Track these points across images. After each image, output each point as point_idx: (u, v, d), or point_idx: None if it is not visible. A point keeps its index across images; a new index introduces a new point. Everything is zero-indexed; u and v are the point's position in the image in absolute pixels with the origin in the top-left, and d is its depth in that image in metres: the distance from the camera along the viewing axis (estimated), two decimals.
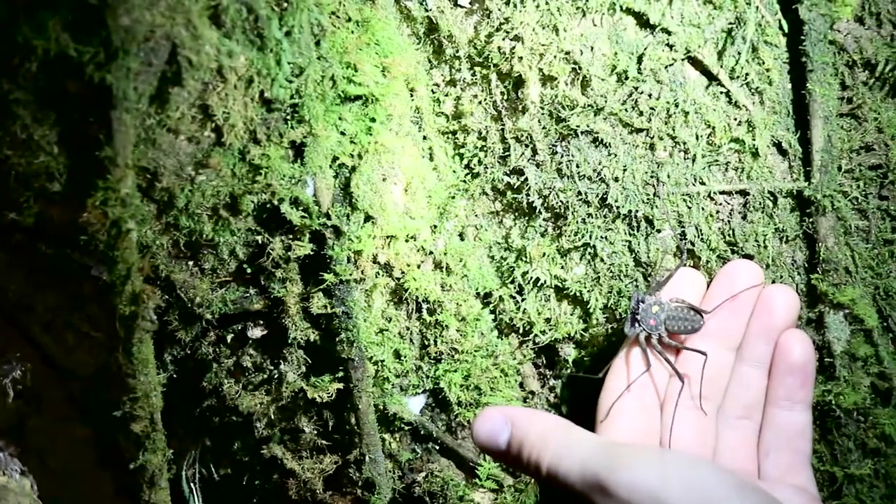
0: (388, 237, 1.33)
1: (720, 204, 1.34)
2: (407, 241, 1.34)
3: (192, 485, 1.59)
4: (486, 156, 1.39)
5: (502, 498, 1.45)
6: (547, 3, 1.30)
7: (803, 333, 1.28)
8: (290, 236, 1.29)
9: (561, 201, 1.36)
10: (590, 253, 1.38)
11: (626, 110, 1.32)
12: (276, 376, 1.40)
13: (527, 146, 1.37)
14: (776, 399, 1.28)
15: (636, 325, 1.31)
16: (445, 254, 1.38)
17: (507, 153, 1.38)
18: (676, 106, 1.31)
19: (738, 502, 1.03)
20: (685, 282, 1.32)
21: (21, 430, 1.61)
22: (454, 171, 1.41)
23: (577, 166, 1.35)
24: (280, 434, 1.46)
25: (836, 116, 1.30)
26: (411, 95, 1.36)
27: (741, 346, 1.29)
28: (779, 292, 1.27)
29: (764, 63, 1.30)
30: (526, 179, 1.37)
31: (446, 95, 1.39)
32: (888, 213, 1.32)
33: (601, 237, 1.37)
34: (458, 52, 1.36)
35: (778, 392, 1.28)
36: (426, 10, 1.35)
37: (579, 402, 1.46)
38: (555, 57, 1.31)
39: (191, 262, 1.32)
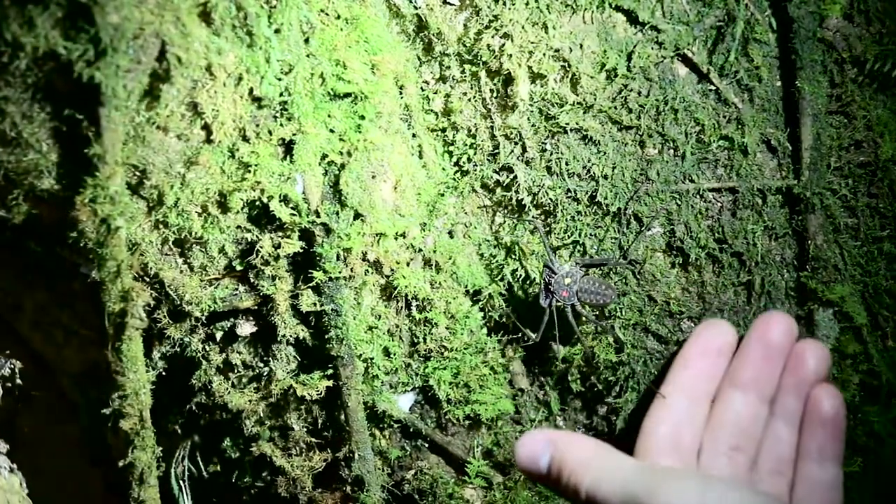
0: (377, 235, 1.32)
1: (709, 201, 1.34)
2: (396, 238, 1.34)
3: (181, 482, 1.59)
4: (475, 153, 1.39)
5: (492, 495, 1.45)
6: (536, 1, 1.30)
7: (834, 388, 1.28)
8: (280, 234, 1.29)
9: (550, 199, 1.36)
10: (579, 250, 1.38)
11: (615, 108, 1.33)
12: (265, 373, 1.40)
13: (516, 144, 1.37)
14: (808, 453, 1.28)
15: (550, 296, 1.32)
16: (435, 251, 1.38)
17: (496, 151, 1.38)
18: (666, 103, 1.31)
19: None
20: (714, 334, 1.31)
21: (10, 428, 1.61)
22: (443, 169, 1.41)
23: (567, 164, 1.35)
24: (269, 431, 1.46)
25: (825, 114, 1.30)
26: (400, 93, 1.35)
27: (774, 399, 1.29)
28: (810, 347, 1.28)
29: (753, 61, 1.30)
30: (515, 177, 1.37)
31: (435, 93, 1.39)
32: (877, 210, 1.32)
33: (590, 234, 1.37)
34: (447, 49, 1.36)
35: (809, 446, 1.28)
36: (415, 8, 1.35)
37: (570, 398, 1.46)
38: (544, 54, 1.31)
39: (180, 260, 1.32)
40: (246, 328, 1.39)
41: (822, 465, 1.27)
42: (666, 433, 1.28)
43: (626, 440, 1.32)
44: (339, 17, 1.27)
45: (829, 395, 1.27)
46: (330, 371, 1.36)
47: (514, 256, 1.42)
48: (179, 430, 1.55)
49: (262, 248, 1.29)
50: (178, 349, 1.41)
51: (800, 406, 1.28)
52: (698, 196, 1.34)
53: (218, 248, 1.31)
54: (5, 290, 1.54)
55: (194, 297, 1.33)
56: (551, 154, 1.35)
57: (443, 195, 1.39)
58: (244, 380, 1.43)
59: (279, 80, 1.20)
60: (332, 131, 1.27)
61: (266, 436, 1.46)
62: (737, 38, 1.29)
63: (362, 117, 1.29)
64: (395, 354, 1.40)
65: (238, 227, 1.29)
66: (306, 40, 1.22)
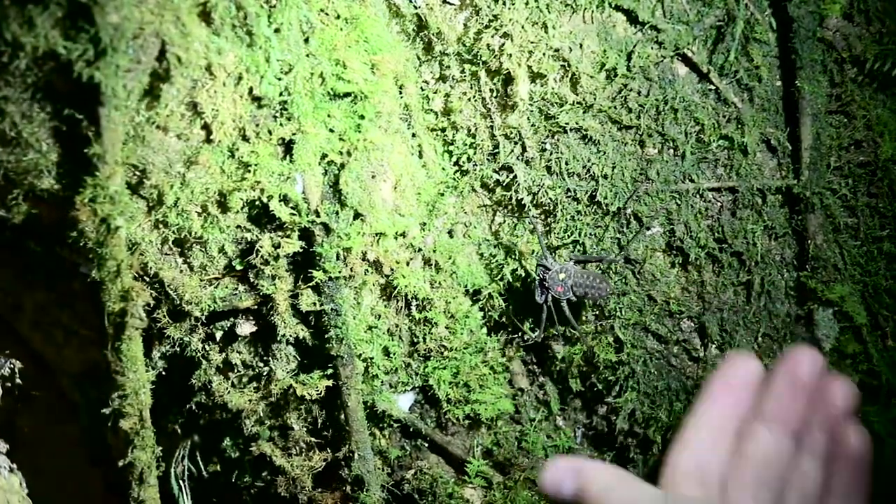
0: (377, 234, 1.32)
1: (709, 201, 1.34)
2: (396, 238, 1.34)
3: (181, 482, 1.58)
4: (475, 153, 1.39)
5: (491, 495, 1.45)
6: (536, 1, 1.30)
7: (861, 426, 1.27)
8: (280, 233, 1.29)
9: (550, 198, 1.36)
10: (579, 250, 1.38)
11: (615, 107, 1.33)
12: (265, 373, 1.40)
13: (516, 143, 1.37)
14: (834, 490, 1.27)
15: (545, 292, 1.33)
16: (434, 251, 1.38)
17: (496, 150, 1.38)
18: (666, 103, 1.31)
19: None
20: (740, 368, 1.30)
21: (10, 428, 1.61)
22: (443, 169, 1.41)
23: (567, 163, 1.35)
24: (269, 431, 1.46)
25: (825, 114, 1.30)
26: (400, 92, 1.35)
27: (800, 435, 1.28)
28: (837, 383, 1.27)
29: (753, 60, 1.30)
30: (515, 177, 1.37)
31: (435, 92, 1.39)
32: (877, 210, 1.32)
33: (590, 234, 1.37)
34: (447, 49, 1.36)
35: (836, 483, 1.27)
36: (415, 8, 1.35)
37: (570, 398, 1.46)
38: (544, 54, 1.31)
39: (180, 260, 1.32)
40: (246, 328, 1.38)
41: (849, 503, 1.27)
42: (691, 466, 1.27)
43: (651, 474, 1.32)
44: (338, 16, 1.27)
45: (857, 433, 1.26)
46: (330, 371, 1.36)
47: (513, 256, 1.42)
48: (179, 430, 1.55)
49: (261, 247, 1.29)
50: (178, 349, 1.41)
51: (827, 442, 1.27)
52: (698, 196, 1.34)
53: (218, 247, 1.31)
54: (5, 290, 1.54)
55: (194, 297, 1.33)
56: (551, 154, 1.35)
57: (443, 195, 1.39)
58: (244, 379, 1.43)
59: (279, 79, 1.20)
60: (331, 131, 1.27)
61: (266, 435, 1.46)
62: (737, 38, 1.29)
63: (362, 117, 1.29)
64: (394, 354, 1.40)
65: (238, 226, 1.29)
66: (306, 40, 1.22)
